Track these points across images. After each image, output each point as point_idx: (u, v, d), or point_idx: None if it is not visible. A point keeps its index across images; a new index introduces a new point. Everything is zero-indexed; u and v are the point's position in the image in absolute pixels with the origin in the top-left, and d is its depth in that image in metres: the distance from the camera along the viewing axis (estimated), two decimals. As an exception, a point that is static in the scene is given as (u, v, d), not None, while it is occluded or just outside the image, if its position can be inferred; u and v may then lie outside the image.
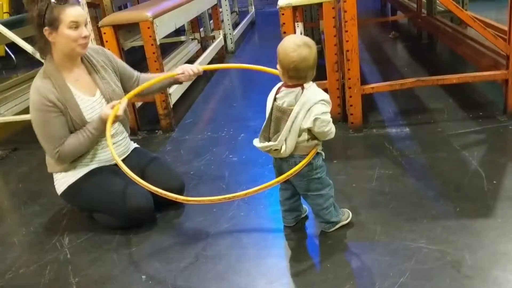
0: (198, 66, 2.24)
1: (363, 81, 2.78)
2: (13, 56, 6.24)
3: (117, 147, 2.19)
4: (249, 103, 3.62)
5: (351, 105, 2.77)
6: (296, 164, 1.73)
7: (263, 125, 1.76)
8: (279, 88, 1.74)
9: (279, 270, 1.74)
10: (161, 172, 2.23)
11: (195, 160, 2.75)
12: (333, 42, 2.81)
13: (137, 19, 3.01)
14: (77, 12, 1.97)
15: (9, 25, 3.22)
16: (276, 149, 1.72)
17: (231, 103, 3.70)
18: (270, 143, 1.72)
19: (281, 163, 1.79)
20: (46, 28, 1.95)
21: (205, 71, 2.38)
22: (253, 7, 7.59)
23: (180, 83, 2.34)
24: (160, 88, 2.40)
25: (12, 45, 5.15)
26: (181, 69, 2.22)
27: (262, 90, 1.79)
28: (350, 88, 2.72)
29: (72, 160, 2.09)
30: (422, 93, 3.28)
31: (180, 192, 2.25)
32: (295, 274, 1.70)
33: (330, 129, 1.71)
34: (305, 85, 1.69)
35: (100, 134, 2.06)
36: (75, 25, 1.95)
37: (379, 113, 3.05)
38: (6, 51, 6.37)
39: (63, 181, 2.13)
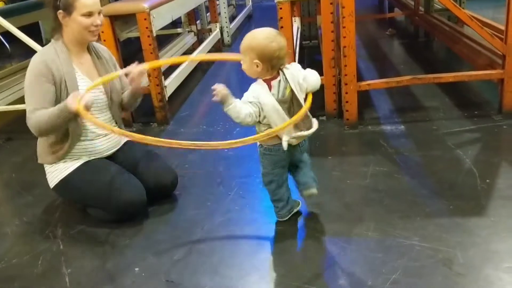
0: (141, 67, 2.09)
1: (359, 78, 2.78)
2: (7, 45, 6.18)
3: (108, 140, 2.18)
4: (245, 97, 3.60)
5: (347, 102, 2.77)
6: (308, 129, 1.79)
7: (282, 124, 1.70)
8: (268, 86, 1.74)
9: (272, 265, 1.74)
10: (153, 165, 2.22)
11: (190, 153, 2.74)
12: (331, 38, 2.81)
13: (134, 10, 2.99)
14: (92, 1, 1.99)
15: (4, 14, 3.19)
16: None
17: (227, 97, 3.69)
18: (313, 129, 1.77)
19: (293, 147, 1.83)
20: (60, 11, 1.98)
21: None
22: (250, 0, 7.57)
23: (138, 94, 2.22)
24: (128, 104, 2.27)
25: (7, 34, 5.11)
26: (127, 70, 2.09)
27: (258, 84, 1.79)
28: (346, 84, 2.72)
29: (38, 133, 2.02)
30: (418, 91, 3.29)
31: (173, 185, 2.25)
32: (288, 269, 1.70)
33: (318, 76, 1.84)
34: (282, 68, 1.76)
35: (62, 118, 1.91)
36: (89, 14, 1.98)
37: (374, 110, 3.06)
38: (0, 40, 6.31)
39: (54, 174, 2.12)
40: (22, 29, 3.15)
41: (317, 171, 2.32)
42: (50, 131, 2.01)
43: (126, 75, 2.13)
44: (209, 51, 4.81)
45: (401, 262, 1.66)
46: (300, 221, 1.98)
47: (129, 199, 2.03)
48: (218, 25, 5.26)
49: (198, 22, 5.36)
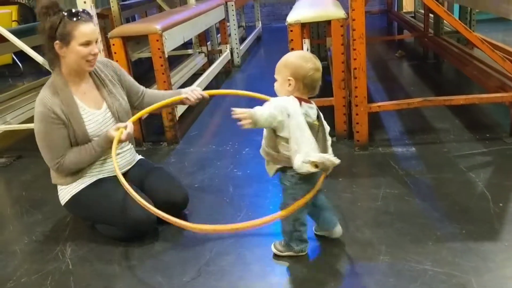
0: (204, 92, 2.22)
1: (369, 99, 2.78)
2: (20, 64, 6.27)
3: (122, 158, 2.19)
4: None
5: (357, 123, 2.76)
6: None
7: (312, 140, 1.66)
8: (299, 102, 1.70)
9: (283, 288, 1.72)
10: (165, 183, 2.22)
11: (199, 172, 2.74)
12: (341, 60, 2.81)
13: (146, 32, 3.02)
14: (90, 29, 2.00)
15: (18, 33, 3.24)
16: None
17: (237, 117, 3.70)
18: (336, 160, 1.68)
19: (314, 175, 1.75)
20: (57, 42, 1.97)
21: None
22: (260, 22, 7.64)
23: (185, 104, 2.31)
24: (163, 107, 2.38)
25: (20, 53, 5.18)
26: (188, 92, 2.20)
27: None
28: (356, 106, 2.72)
29: (71, 172, 2.08)
30: (428, 112, 3.28)
31: (183, 203, 2.24)
32: (299, 292, 1.68)
33: None
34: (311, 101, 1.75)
35: (103, 152, 2.06)
36: (87, 43, 1.99)
37: (384, 132, 3.05)
38: (13, 59, 6.41)
39: (66, 191, 2.13)
40: (35, 48, 3.19)
41: (327, 193, 2.31)
42: (86, 165, 2.09)
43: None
44: (219, 72, 4.85)
45: (414, 287, 1.63)
46: (310, 243, 1.95)
47: (139, 217, 2.03)
48: (228, 46, 5.31)
49: (208, 43, 5.41)
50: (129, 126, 2.02)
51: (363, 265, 1.77)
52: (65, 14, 1.96)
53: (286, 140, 1.67)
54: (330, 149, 1.75)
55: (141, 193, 2.11)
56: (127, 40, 3.07)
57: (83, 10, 2.02)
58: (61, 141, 2.01)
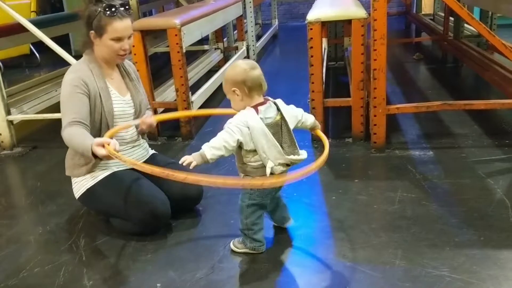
0: (153, 120, 2.17)
1: (386, 101, 2.74)
2: (37, 54, 6.31)
3: (134, 152, 2.20)
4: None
5: (375, 125, 2.73)
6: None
7: (276, 144, 1.70)
8: (255, 111, 1.71)
9: (296, 289, 1.71)
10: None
11: (213, 169, 2.72)
12: (360, 60, 2.79)
13: (165, 26, 3.02)
14: (124, 26, 2.01)
15: (37, 24, 3.25)
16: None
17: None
18: (302, 156, 1.76)
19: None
20: (92, 31, 2.01)
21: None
22: (276, 20, 7.62)
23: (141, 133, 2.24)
24: None
25: (37, 44, 5.21)
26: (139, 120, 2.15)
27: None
28: (375, 107, 2.69)
29: (85, 163, 2.08)
30: (446, 117, 3.24)
31: (198, 198, 2.24)
32: (313, 293, 1.67)
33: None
34: (268, 98, 1.76)
35: (84, 154, 1.93)
36: (118, 39, 2.01)
37: (402, 135, 3.01)
38: (31, 49, 6.44)
39: (81, 184, 2.13)
40: (54, 39, 3.20)
41: (343, 195, 2.31)
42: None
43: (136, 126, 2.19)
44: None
45: (430, 293, 1.60)
46: (325, 244, 1.94)
47: (153, 211, 2.02)
48: (244, 43, 5.29)
49: (225, 39, 5.40)
50: (112, 142, 1.84)
51: (379, 269, 1.75)
52: (103, 6, 1.97)
53: (253, 153, 1.72)
54: (294, 139, 1.77)
55: (155, 187, 2.11)
56: (145, 34, 3.07)
57: (123, 4, 2.02)
58: (80, 106, 1.99)
